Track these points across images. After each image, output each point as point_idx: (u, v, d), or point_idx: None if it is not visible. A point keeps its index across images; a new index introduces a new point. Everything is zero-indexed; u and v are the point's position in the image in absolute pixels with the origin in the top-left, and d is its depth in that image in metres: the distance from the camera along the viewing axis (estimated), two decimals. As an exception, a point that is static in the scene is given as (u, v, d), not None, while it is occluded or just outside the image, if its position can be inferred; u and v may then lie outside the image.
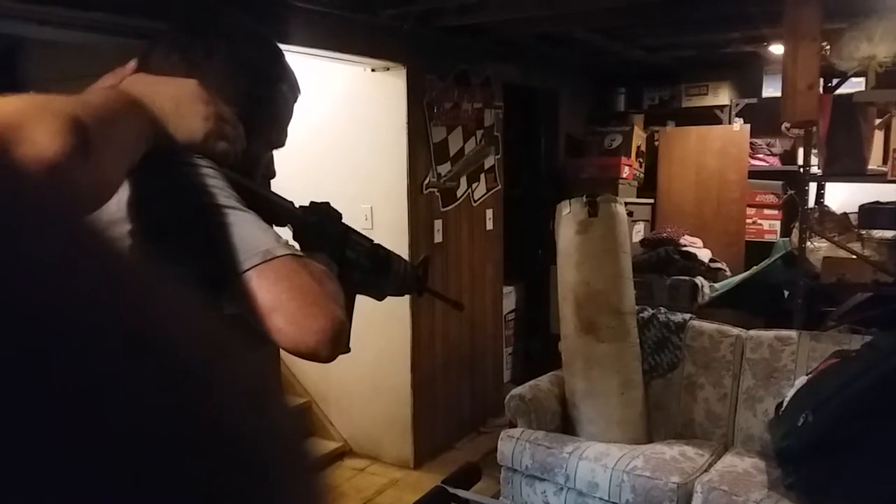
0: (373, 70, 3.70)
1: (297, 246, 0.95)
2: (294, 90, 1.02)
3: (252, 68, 0.96)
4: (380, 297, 1.15)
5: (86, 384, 0.19)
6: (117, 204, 0.79)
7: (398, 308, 3.68)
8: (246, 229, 0.79)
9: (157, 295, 0.25)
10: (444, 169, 3.98)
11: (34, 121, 0.62)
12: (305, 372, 4.17)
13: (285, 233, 0.98)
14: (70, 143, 0.62)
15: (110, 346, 0.21)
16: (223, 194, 0.81)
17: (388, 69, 3.68)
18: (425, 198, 3.86)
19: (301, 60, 3.23)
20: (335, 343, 0.79)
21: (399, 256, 1.15)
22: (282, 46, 1.03)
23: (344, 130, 3.86)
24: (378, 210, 3.77)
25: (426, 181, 3.85)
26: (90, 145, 0.65)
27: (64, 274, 0.21)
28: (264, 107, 0.98)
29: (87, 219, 0.29)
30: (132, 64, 0.90)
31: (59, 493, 0.18)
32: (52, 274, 0.21)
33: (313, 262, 0.84)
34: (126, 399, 0.20)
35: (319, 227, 0.99)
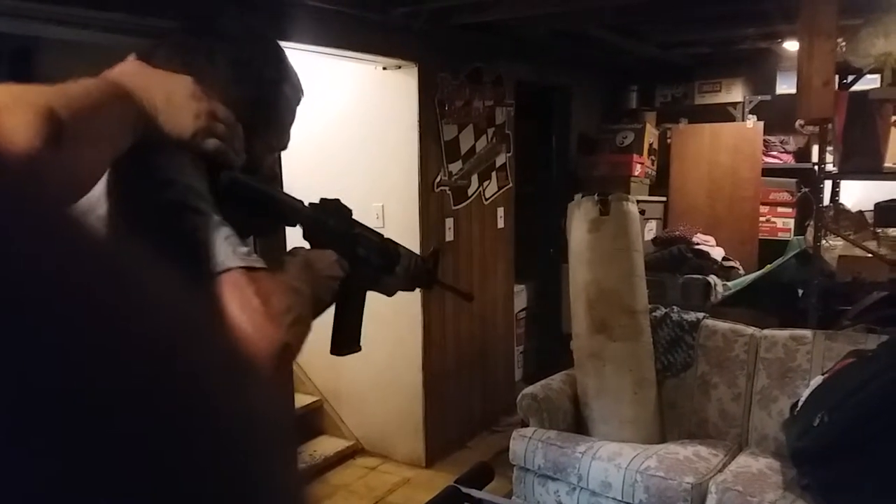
0: (384, 68, 3.70)
1: (286, 251, 0.93)
2: (297, 91, 1.01)
3: (254, 70, 0.95)
4: (390, 293, 1.14)
5: (59, 367, 0.19)
6: (96, 192, 0.77)
7: (409, 307, 3.68)
8: (204, 237, 0.76)
9: (136, 278, 0.24)
10: (455, 167, 3.97)
11: (8, 112, 0.61)
12: (317, 370, 4.18)
13: (295, 232, 0.98)
14: (42, 135, 0.62)
15: (86, 331, 0.21)
16: (192, 195, 0.78)
17: (399, 67, 3.68)
18: (437, 196, 3.85)
19: (312, 59, 3.23)
20: (272, 365, 0.75)
21: (408, 250, 1.14)
22: (293, 45, 1.03)
23: (356, 129, 3.86)
24: (389, 208, 3.77)
25: (437, 179, 3.85)
26: (64, 136, 0.64)
27: (41, 262, 0.21)
28: (266, 109, 0.97)
29: (65, 207, 0.28)
30: (131, 58, 0.88)
31: (44, 482, 0.18)
32: (29, 262, 0.20)
33: (267, 277, 0.78)
34: (106, 385, 0.20)
35: (329, 224, 0.98)
